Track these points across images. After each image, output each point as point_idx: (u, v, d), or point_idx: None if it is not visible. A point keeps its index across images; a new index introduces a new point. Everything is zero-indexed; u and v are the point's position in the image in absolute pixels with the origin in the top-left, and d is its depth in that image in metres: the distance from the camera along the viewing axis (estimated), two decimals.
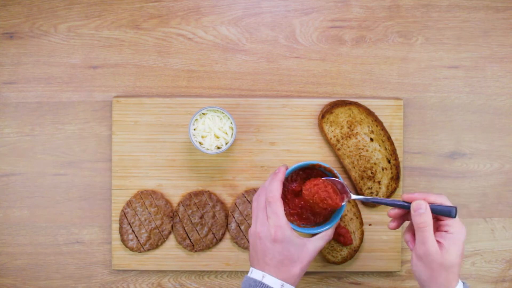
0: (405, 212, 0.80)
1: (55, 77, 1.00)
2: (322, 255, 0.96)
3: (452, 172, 1.00)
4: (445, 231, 0.76)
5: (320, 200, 0.83)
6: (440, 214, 0.76)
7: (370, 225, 0.98)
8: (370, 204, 0.97)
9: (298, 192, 0.86)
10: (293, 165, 0.84)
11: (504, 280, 1.00)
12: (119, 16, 1.00)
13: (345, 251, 0.96)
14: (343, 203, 0.84)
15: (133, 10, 1.00)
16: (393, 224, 0.82)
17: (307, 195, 0.84)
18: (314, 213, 0.86)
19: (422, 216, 0.75)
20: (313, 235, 0.85)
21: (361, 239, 0.97)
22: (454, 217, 0.75)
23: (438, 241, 0.75)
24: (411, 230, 0.80)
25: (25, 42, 1.00)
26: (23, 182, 1.00)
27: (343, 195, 0.84)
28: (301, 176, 0.87)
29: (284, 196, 0.86)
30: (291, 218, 0.85)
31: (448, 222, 0.76)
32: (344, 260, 0.97)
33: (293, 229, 0.82)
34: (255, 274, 0.80)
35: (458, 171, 1.00)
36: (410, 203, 0.78)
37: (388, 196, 0.97)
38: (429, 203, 0.76)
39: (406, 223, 0.84)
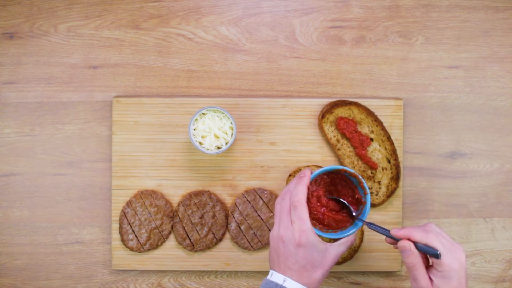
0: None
1: (55, 77, 1.00)
2: None
3: (452, 172, 1.00)
4: (435, 269, 0.76)
5: (335, 222, 0.85)
6: (426, 253, 0.76)
7: None
8: (371, 205, 0.97)
9: (322, 196, 0.87)
10: (318, 169, 0.84)
11: (504, 280, 1.00)
12: (119, 16, 1.00)
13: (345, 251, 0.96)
14: (354, 224, 0.85)
15: (133, 10, 1.00)
16: (390, 240, 0.83)
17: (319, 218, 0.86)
18: (336, 220, 0.86)
19: (409, 258, 0.77)
20: (335, 240, 0.84)
21: (361, 239, 0.97)
22: (439, 258, 0.75)
23: (430, 278, 0.77)
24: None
25: (25, 42, 1.00)
26: (23, 182, 1.00)
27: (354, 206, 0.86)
28: (325, 180, 0.87)
29: (308, 200, 0.85)
30: (314, 222, 0.86)
31: (436, 260, 0.76)
32: (344, 260, 0.97)
33: (316, 233, 0.82)
34: (276, 277, 0.79)
35: (458, 171, 1.00)
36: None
37: (388, 196, 0.97)
38: (415, 242, 0.77)
39: None
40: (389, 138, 0.97)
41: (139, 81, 1.00)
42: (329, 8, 1.00)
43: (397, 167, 0.96)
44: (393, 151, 0.97)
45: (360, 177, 0.84)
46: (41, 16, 1.00)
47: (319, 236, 0.83)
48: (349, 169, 0.84)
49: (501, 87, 1.00)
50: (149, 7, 1.00)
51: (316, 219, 0.86)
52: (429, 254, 0.76)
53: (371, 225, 0.82)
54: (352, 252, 0.97)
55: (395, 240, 0.81)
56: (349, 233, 0.84)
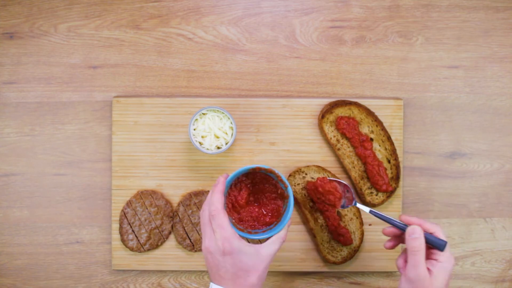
0: (400, 233, 0.83)
1: (55, 77, 1.00)
2: (322, 255, 0.96)
3: (452, 172, 1.00)
4: (435, 260, 0.79)
5: (324, 191, 0.85)
6: (431, 244, 0.79)
7: (370, 225, 0.98)
8: (370, 205, 0.97)
9: (245, 199, 0.86)
10: (232, 173, 0.83)
11: (504, 280, 1.00)
12: (119, 16, 1.00)
13: (345, 251, 0.96)
14: (341, 206, 0.85)
15: (133, 10, 1.00)
16: (389, 244, 0.85)
17: (312, 184, 0.84)
18: (258, 219, 0.86)
19: (416, 241, 0.78)
20: (266, 240, 0.83)
21: (361, 239, 0.97)
22: (442, 250, 0.79)
23: (427, 268, 0.78)
24: (404, 257, 0.82)
25: (25, 42, 1.00)
26: (23, 182, 1.00)
27: (345, 200, 0.85)
28: (245, 183, 0.87)
29: (232, 206, 0.85)
30: (240, 226, 0.85)
31: (438, 251, 0.79)
32: (344, 260, 0.97)
33: (243, 237, 0.81)
34: None
35: (458, 171, 1.00)
36: (406, 225, 0.81)
37: (388, 196, 0.97)
38: (424, 231, 0.80)
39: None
40: (389, 138, 0.97)
41: (139, 81, 1.00)
42: (329, 8, 1.00)
43: (397, 167, 0.96)
44: (393, 151, 0.97)
45: (277, 171, 0.83)
46: (41, 16, 1.00)
47: (248, 239, 0.82)
48: (263, 165, 0.83)
49: (501, 87, 1.00)
50: (149, 7, 1.00)
51: (243, 222, 0.86)
52: (434, 246, 0.79)
53: (375, 213, 0.84)
54: (352, 252, 0.97)
55: (397, 229, 0.83)
56: (277, 230, 0.82)
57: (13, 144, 1.00)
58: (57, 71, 1.00)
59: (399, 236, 0.84)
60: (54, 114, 1.00)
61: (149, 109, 0.98)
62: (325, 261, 0.97)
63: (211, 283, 0.80)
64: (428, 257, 0.80)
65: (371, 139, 0.97)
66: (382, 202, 0.97)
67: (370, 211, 0.85)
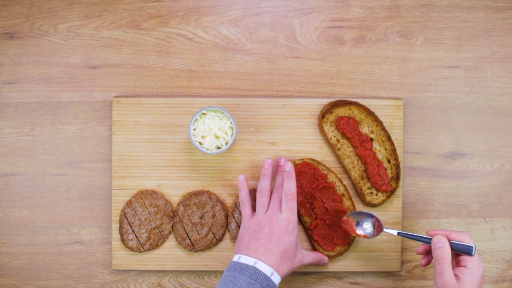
0: (430, 248, 0.87)
1: (55, 77, 1.00)
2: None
3: (452, 172, 1.00)
4: (463, 266, 0.81)
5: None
6: (459, 251, 0.82)
7: None
8: (370, 205, 0.97)
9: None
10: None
11: (504, 280, 1.00)
12: (119, 16, 1.00)
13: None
14: (370, 235, 0.92)
15: (133, 10, 1.00)
16: (424, 261, 0.89)
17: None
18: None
19: (440, 250, 0.81)
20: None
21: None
22: (472, 255, 0.81)
23: (456, 275, 0.80)
24: (424, 248, 0.88)
25: (25, 42, 1.00)
26: (23, 182, 1.00)
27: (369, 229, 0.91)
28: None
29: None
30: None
31: (466, 258, 0.81)
32: (339, 253, 0.96)
33: None
34: (245, 259, 0.82)
35: (458, 171, 1.00)
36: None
37: (388, 196, 0.97)
38: (450, 239, 0.83)
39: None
40: (389, 138, 0.97)
41: (139, 81, 1.00)
42: (329, 8, 1.00)
43: (397, 167, 0.96)
44: (393, 151, 0.97)
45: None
46: (41, 16, 1.00)
47: None
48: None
49: (501, 87, 1.00)
50: (149, 7, 1.00)
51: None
52: (463, 252, 0.81)
53: (403, 234, 0.88)
54: (347, 246, 0.96)
55: (428, 246, 0.87)
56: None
57: (13, 144, 1.00)
58: (57, 71, 1.00)
59: (430, 251, 0.88)
60: (54, 114, 1.00)
61: (149, 109, 0.98)
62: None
63: (240, 255, 0.84)
64: (458, 264, 0.82)
65: (371, 139, 0.97)
66: (382, 202, 0.97)
67: (398, 233, 0.89)
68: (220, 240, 0.98)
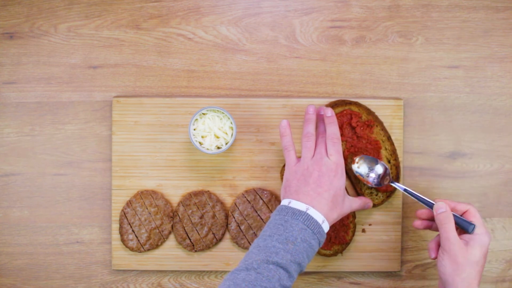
0: (432, 216, 0.87)
1: (55, 77, 1.00)
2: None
3: (452, 172, 1.00)
4: (471, 234, 0.82)
5: None
6: (458, 225, 0.82)
7: (370, 225, 0.98)
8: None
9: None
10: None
11: (504, 280, 1.00)
12: (119, 16, 1.00)
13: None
14: (376, 184, 0.93)
15: (133, 10, 1.00)
16: (418, 223, 0.89)
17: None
18: None
19: (443, 215, 0.82)
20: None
21: (353, 232, 0.96)
22: (470, 233, 0.81)
23: (463, 240, 0.81)
24: (437, 241, 0.85)
25: (25, 42, 1.00)
26: (23, 182, 1.00)
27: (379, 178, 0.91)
28: None
29: None
30: None
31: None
32: (336, 253, 0.96)
33: None
34: (296, 204, 0.81)
35: (458, 171, 1.00)
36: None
37: (388, 196, 0.97)
38: (454, 210, 0.84)
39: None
40: (389, 138, 0.97)
41: (139, 81, 1.00)
42: (329, 8, 1.00)
43: (397, 167, 0.96)
44: (393, 151, 0.97)
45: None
46: (41, 16, 1.00)
47: None
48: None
49: (501, 87, 1.00)
50: (149, 7, 1.00)
51: None
52: (461, 227, 0.82)
53: (409, 191, 0.88)
54: (344, 245, 0.96)
55: (430, 212, 0.87)
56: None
57: (13, 144, 1.00)
58: (57, 71, 1.00)
59: (430, 219, 0.88)
60: (54, 114, 1.00)
61: (149, 109, 0.98)
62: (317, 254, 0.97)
63: (290, 200, 0.82)
64: (464, 232, 0.83)
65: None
66: (382, 202, 0.97)
67: (405, 190, 0.89)
68: (220, 240, 0.98)
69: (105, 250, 1.00)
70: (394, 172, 0.96)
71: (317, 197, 0.82)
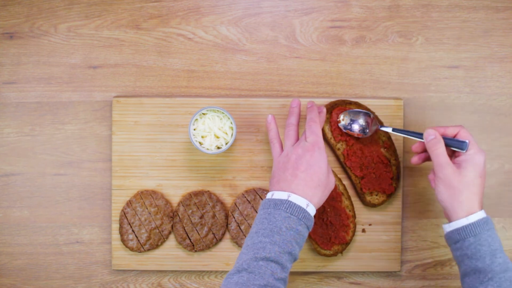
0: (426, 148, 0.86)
1: (55, 77, 1.00)
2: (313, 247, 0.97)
3: None
4: (462, 155, 0.81)
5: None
6: (452, 147, 0.82)
7: (370, 225, 0.98)
8: (370, 205, 0.97)
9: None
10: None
11: None
12: (119, 16, 1.00)
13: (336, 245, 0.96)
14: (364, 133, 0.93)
15: (133, 10, 1.00)
16: (415, 159, 0.89)
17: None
18: None
19: (433, 141, 0.82)
20: None
21: (353, 232, 0.96)
22: (464, 150, 0.80)
23: (456, 163, 0.81)
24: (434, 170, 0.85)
25: (25, 42, 1.00)
26: (23, 182, 1.00)
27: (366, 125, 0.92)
28: None
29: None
30: None
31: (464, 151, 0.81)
32: (336, 253, 0.96)
33: None
34: (278, 194, 0.81)
35: None
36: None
37: (388, 196, 0.97)
38: (445, 135, 0.83)
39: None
40: (389, 138, 0.97)
41: (139, 81, 1.00)
42: (329, 8, 1.00)
43: (397, 167, 0.96)
44: (393, 151, 0.96)
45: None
46: (41, 16, 1.00)
47: None
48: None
49: (501, 87, 1.00)
50: (149, 7, 1.00)
51: None
52: (455, 147, 0.82)
53: (397, 130, 0.89)
54: (344, 245, 0.96)
55: (423, 143, 0.86)
56: None
57: (13, 144, 1.00)
58: (57, 71, 1.00)
59: (425, 151, 0.88)
60: (54, 114, 1.00)
61: (149, 109, 0.98)
62: (316, 253, 0.97)
63: (273, 192, 0.82)
64: (457, 156, 0.82)
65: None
66: (382, 202, 0.97)
67: (393, 129, 0.90)
68: (220, 240, 0.98)
69: (105, 250, 1.00)
70: (394, 172, 0.96)
71: (295, 180, 0.81)
